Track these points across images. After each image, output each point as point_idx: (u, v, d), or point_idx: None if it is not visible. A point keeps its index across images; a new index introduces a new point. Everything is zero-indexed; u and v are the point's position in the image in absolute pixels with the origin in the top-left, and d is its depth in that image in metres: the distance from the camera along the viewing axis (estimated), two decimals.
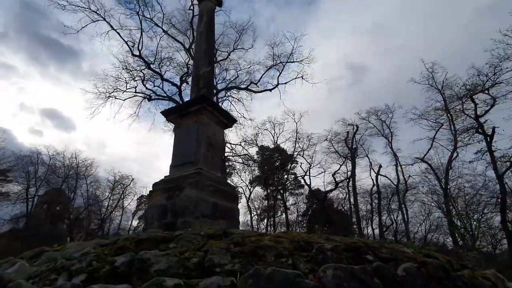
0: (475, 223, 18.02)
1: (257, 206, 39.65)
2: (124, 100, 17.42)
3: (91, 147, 58.08)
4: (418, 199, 24.36)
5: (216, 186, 6.03)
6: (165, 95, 18.33)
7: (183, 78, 17.75)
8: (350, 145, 21.85)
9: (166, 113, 7.16)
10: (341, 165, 25.58)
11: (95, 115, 18.85)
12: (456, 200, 18.83)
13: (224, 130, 8.11)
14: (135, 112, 17.63)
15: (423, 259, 2.88)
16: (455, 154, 18.25)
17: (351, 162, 21.46)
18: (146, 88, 18.86)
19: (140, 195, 48.28)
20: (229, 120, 7.41)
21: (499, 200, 13.37)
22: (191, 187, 5.64)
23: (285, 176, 35.62)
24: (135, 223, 48.26)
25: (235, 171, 31.79)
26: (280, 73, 18.22)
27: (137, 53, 16.41)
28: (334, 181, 26.28)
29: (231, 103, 20.72)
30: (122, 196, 41.99)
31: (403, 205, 21.22)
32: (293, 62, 18.16)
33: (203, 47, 8.15)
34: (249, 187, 35.97)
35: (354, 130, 22.02)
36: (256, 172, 35.52)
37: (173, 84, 17.54)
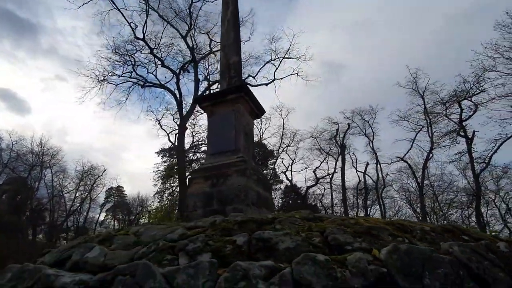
0: (445, 222, 19.89)
1: None
2: (117, 85, 16.49)
3: (51, 134, 53.87)
4: (390, 195, 26.29)
5: (257, 175, 6.11)
6: (158, 82, 17.66)
7: (185, 67, 17.21)
8: (340, 142, 22.82)
9: (199, 100, 7.04)
10: (321, 162, 26.71)
11: (85, 100, 17.62)
12: (432, 198, 20.63)
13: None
14: (126, 99, 16.76)
15: (504, 239, 3.29)
16: (430, 155, 19.95)
17: (341, 158, 22.45)
18: (137, 74, 18.03)
19: (109, 187, 45.98)
20: (260, 111, 7.48)
21: (474, 197, 14.98)
22: (238, 174, 5.67)
23: (264, 171, 36.06)
24: (102, 216, 45.90)
25: None
26: (276, 68, 18.45)
27: (141, 36, 15.56)
28: (315, 177, 27.36)
29: None
30: (91, 188, 39.66)
31: (381, 201, 22.72)
32: (290, 58, 18.45)
33: (231, 35, 8.07)
34: None
35: (345, 129, 23.05)
36: None
37: (173, 72, 16.94)
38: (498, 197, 19.69)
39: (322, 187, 29.65)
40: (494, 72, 14.53)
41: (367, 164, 23.19)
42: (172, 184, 30.38)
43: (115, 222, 48.59)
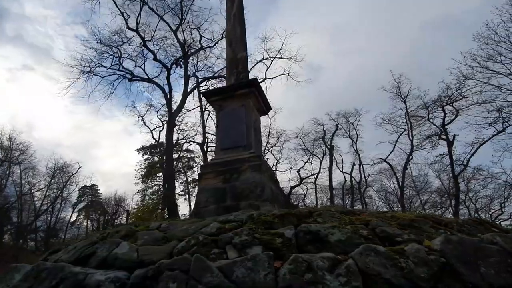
0: None
1: None
2: (103, 77, 15.66)
3: (16, 129, 50.49)
4: (369, 196, 27.25)
5: (269, 171, 6.05)
6: (147, 76, 17.03)
7: (178, 61, 16.69)
8: (329, 143, 23.27)
9: (208, 94, 6.85)
10: (305, 162, 27.13)
11: (69, 91, 16.53)
12: (409, 198, 21.63)
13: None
14: (112, 92, 15.97)
15: None
16: (410, 157, 20.92)
17: (329, 159, 22.89)
18: (122, 67, 17.27)
19: (83, 186, 43.76)
20: (267, 108, 7.42)
21: (453, 197, 15.90)
22: (253, 170, 5.57)
23: None
24: (74, 216, 43.59)
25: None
26: (268, 68, 18.46)
27: (134, 27, 14.84)
28: (299, 177, 27.71)
29: None
30: (63, 186, 37.53)
31: (363, 201, 23.45)
32: (282, 58, 18.55)
33: (238, 30, 7.96)
34: None
35: (333, 130, 23.53)
36: None
37: (164, 66, 16.36)
38: (467, 198, 21.08)
39: (305, 187, 30.15)
40: (473, 80, 15.56)
41: (354, 164, 23.90)
42: (155, 183, 29.42)
43: (88, 223, 46.22)
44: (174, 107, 17.52)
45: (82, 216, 46.15)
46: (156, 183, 30.11)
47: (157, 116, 25.05)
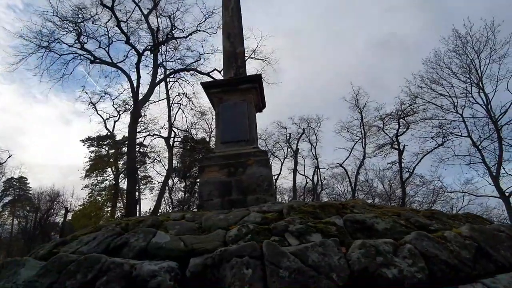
0: None
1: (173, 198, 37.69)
2: (61, 55, 13.83)
3: None
4: (321, 198, 29.04)
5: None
6: (111, 61, 15.59)
7: (153, 48, 15.52)
8: (296, 146, 24.11)
9: (207, 86, 6.66)
10: None
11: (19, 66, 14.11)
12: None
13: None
14: (71, 73, 14.23)
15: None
16: (362, 164, 22.99)
17: (294, 161, 23.74)
18: (82, 47, 15.53)
19: (9, 178, 38.12)
20: (263, 105, 7.50)
21: (400, 201, 17.95)
22: (259, 165, 5.61)
23: None
24: None
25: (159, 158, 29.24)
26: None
27: (109, 4, 13.32)
28: None
29: (180, 85, 19.44)
30: None
31: None
32: (256, 59, 18.72)
33: (236, 24, 7.91)
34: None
35: (300, 133, 24.46)
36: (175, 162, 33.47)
37: (136, 51, 15.09)
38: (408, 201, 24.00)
39: None
40: (420, 99, 17.86)
41: (316, 168, 25.20)
42: (106, 177, 27.00)
43: (14, 219, 40.24)
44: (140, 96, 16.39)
45: (6, 212, 39.93)
46: (108, 177, 27.61)
47: (113, 104, 23.14)
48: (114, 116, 25.47)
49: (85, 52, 14.75)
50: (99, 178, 27.13)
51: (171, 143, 19.31)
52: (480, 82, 16.07)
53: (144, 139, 20.17)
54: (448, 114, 17.03)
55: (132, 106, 15.58)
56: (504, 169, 16.10)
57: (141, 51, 14.97)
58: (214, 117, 26.37)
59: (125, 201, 26.27)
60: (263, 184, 5.45)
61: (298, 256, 2.44)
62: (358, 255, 2.46)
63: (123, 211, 24.56)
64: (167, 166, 30.33)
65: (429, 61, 17.50)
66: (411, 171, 18.05)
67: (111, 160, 29.26)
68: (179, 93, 18.71)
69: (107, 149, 31.56)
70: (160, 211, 20.89)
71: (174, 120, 19.25)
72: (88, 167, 29.80)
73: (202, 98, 22.73)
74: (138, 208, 18.53)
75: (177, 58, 18.48)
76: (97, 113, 24.27)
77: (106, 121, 25.35)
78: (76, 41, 14.48)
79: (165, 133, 20.28)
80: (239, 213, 3.52)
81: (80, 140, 32.07)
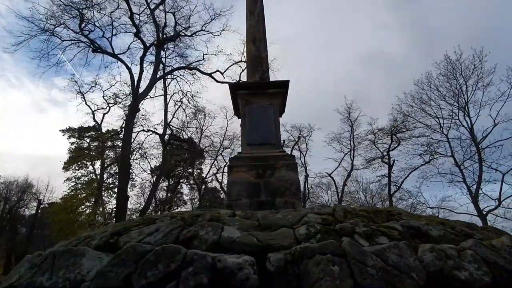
0: None
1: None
2: (63, 41, 13.27)
3: None
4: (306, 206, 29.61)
5: None
6: (112, 52, 15.17)
7: (160, 44, 15.18)
8: (291, 151, 24.37)
9: (236, 87, 6.76)
10: None
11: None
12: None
13: None
14: (71, 60, 13.68)
15: None
16: (349, 175, 23.73)
17: None
18: (83, 34, 15.01)
19: None
20: (283, 110, 7.67)
21: None
22: (288, 168, 5.75)
23: (190, 170, 34.86)
24: None
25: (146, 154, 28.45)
26: (242, 70, 18.52)
27: None
28: None
29: (178, 83, 19.22)
30: None
31: None
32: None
33: (261, 28, 8.10)
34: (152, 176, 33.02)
35: (295, 141, 24.81)
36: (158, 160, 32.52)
37: (144, 45, 14.72)
38: None
39: None
40: (411, 117, 18.85)
41: (306, 176, 25.59)
42: (91, 171, 25.87)
43: None
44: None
45: None
46: (90, 171, 26.44)
47: (103, 96, 22.42)
48: (103, 108, 24.72)
49: (87, 40, 14.27)
50: (83, 172, 25.89)
51: (165, 140, 18.90)
52: (466, 106, 17.24)
53: (137, 135, 19.64)
54: (435, 133, 18.10)
55: (131, 100, 15.19)
56: (481, 189, 17.30)
57: (148, 46, 14.69)
58: (206, 117, 26.17)
59: (111, 196, 25.36)
60: (292, 187, 5.58)
61: (379, 256, 2.60)
62: (432, 258, 2.65)
63: (109, 207, 23.66)
64: (155, 163, 29.70)
65: (421, 83, 18.55)
66: (398, 185, 18.90)
67: (93, 153, 28.14)
68: (178, 91, 18.47)
69: (88, 141, 30.38)
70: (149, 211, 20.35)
71: (173, 118, 18.92)
72: (68, 159, 28.49)
73: (201, 98, 22.50)
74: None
75: (176, 55, 18.29)
76: (86, 103, 23.45)
77: (94, 112, 24.57)
78: (78, 29, 13.99)
79: (156, 130, 19.89)
80: (295, 213, 3.62)
81: (60, 130, 30.61)
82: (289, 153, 24.91)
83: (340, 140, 23.02)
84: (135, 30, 14.22)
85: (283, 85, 6.68)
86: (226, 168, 29.16)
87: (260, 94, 6.70)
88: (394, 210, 4.00)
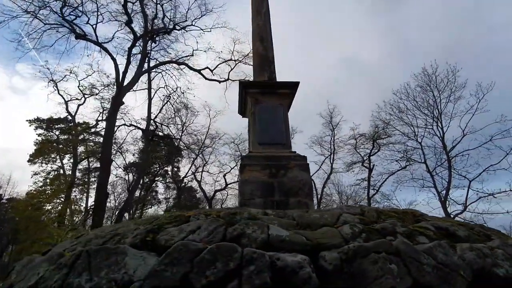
0: None
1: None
2: (45, 24, 12.21)
3: None
4: None
5: None
6: (96, 39, 14.28)
7: (151, 35, 14.45)
8: None
9: (247, 85, 6.70)
10: (232, 168, 27.91)
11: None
12: None
13: None
14: (51, 46, 12.64)
15: None
16: (328, 178, 24.50)
17: None
18: (63, 19, 13.99)
19: None
20: (288, 110, 7.73)
21: None
22: (300, 169, 5.81)
23: (166, 168, 33.90)
24: None
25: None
26: (231, 69, 18.40)
27: None
28: (224, 181, 28.21)
29: (163, 77, 18.56)
30: None
31: None
32: (246, 64, 18.83)
33: (268, 28, 8.14)
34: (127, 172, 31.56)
35: None
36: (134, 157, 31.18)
37: (134, 35, 13.89)
38: None
39: (226, 192, 30.73)
40: (390, 125, 19.91)
41: None
42: (63, 165, 24.13)
43: None
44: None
45: None
46: (58, 165, 24.66)
47: (78, 86, 21.12)
48: (77, 99, 23.22)
49: (69, 25, 13.28)
50: (53, 166, 24.10)
51: (149, 136, 18.17)
52: (439, 117, 18.57)
53: (117, 129, 18.69)
54: (411, 141, 19.27)
55: (116, 91, 14.40)
56: (448, 196, 18.69)
57: (139, 36, 13.98)
58: (189, 113, 25.49)
59: (83, 193, 23.84)
60: (305, 188, 5.65)
61: (429, 254, 2.72)
62: (473, 256, 2.83)
63: (82, 205, 22.29)
64: (130, 160, 28.38)
65: (399, 92, 19.66)
66: (376, 188, 19.84)
67: (62, 146, 26.34)
68: (165, 86, 17.87)
69: (57, 133, 28.38)
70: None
71: (159, 113, 18.22)
72: (34, 152, 26.37)
73: (192, 94, 21.79)
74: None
75: (161, 49, 17.69)
76: (58, 93, 21.91)
77: (67, 103, 23.02)
78: (60, 13, 13.01)
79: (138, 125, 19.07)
80: (330, 213, 3.67)
81: (27, 120, 28.26)
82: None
83: (321, 143, 23.66)
84: (124, 19, 13.56)
85: (294, 86, 6.73)
86: (205, 167, 28.94)
87: (270, 94, 6.71)
88: (416, 212, 4.21)
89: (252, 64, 18.03)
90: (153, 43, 17.72)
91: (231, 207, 3.80)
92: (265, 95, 6.69)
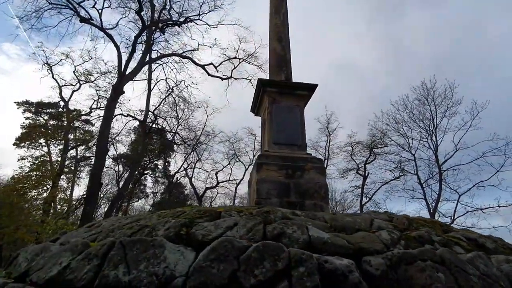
0: None
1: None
2: (51, 3, 11.71)
3: None
4: None
5: None
6: (100, 26, 13.86)
7: (158, 25, 14.05)
8: None
9: (265, 83, 6.60)
10: (224, 167, 27.74)
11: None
12: None
13: None
14: (55, 26, 12.15)
15: None
16: None
17: None
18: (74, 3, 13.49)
19: None
20: None
21: None
22: (317, 171, 5.78)
23: (156, 162, 33.36)
24: None
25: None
26: (235, 67, 18.23)
27: None
28: (216, 179, 28.02)
29: (163, 69, 18.20)
30: None
31: None
32: (250, 63, 18.74)
33: (286, 29, 8.09)
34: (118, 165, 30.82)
35: None
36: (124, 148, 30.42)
37: (143, 24, 13.49)
38: None
39: (216, 190, 30.52)
40: (386, 135, 20.25)
41: None
42: (52, 151, 23.26)
43: None
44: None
45: None
46: (44, 150, 23.76)
47: (74, 71, 20.49)
48: (72, 85, 22.51)
49: (75, 7, 12.82)
50: (42, 151, 23.21)
51: (146, 128, 17.77)
52: (434, 130, 19.02)
53: (114, 117, 18.18)
54: (405, 152, 19.66)
55: (117, 79, 13.99)
56: (437, 210, 19.16)
57: (147, 25, 13.63)
58: (186, 109, 25.12)
59: (71, 182, 23.05)
60: (321, 190, 5.62)
61: (471, 264, 2.72)
62: (510, 268, 2.85)
63: (68, 193, 21.59)
64: (121, 151, 27.73)
65: (397, 103, 20.04)
66: (369, 196, 20.11)
67: (50, 131, 25.42)
68: (166, 78, 17.54)
69: (46, 118, 27.39)
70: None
71: (159, 105, 17.85)
72: (20, 135, 25.35)
73: (197, 89, 21.40)
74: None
75: (163, 40, 17.37)
76: (53, 77, 21.20)
77: (61, 88, 22.30)
78: None
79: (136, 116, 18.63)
80: (361, 217, 3.65)
81: (15, 102, 27.17)
82: None
83: (316, 148, 23.79)
84: (132, 6, 13.21)
85: (312, 88, 6.70)
86: (198, 164, 28.60)
87: (287, 94, 6.65)
88: (439, 221, 4.24)
89: (256, 64, 17.88)
90: (155, 35, 17.47)
91: (270, 207, 3.60)
92: (283, 95, 6.63)
